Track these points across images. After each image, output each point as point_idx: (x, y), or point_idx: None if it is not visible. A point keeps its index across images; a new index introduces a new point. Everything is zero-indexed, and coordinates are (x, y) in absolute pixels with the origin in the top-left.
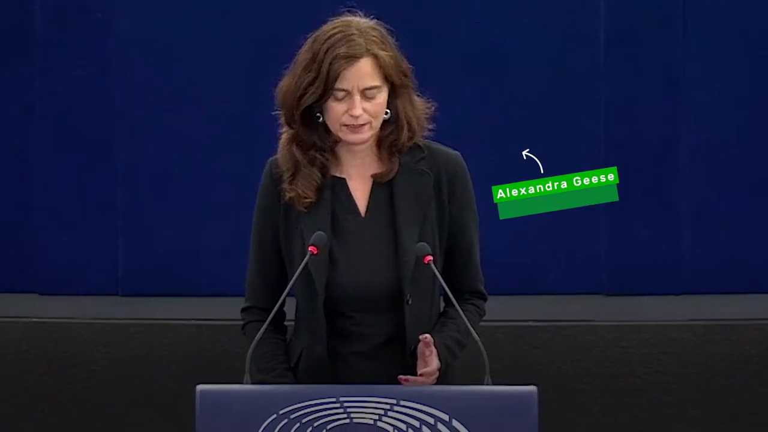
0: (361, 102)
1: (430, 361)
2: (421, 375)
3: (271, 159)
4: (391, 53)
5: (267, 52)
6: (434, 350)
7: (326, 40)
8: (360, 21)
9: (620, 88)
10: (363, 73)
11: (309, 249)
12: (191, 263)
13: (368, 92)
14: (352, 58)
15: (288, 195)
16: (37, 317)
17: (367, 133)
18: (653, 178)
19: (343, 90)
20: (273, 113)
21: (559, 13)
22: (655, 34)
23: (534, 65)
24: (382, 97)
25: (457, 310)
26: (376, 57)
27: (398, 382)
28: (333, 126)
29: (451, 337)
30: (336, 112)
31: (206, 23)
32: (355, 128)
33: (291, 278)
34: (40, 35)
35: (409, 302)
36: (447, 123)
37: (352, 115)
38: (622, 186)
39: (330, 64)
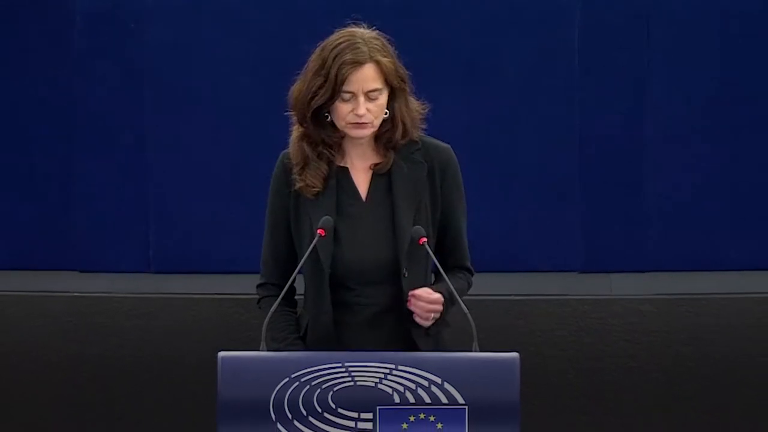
0: (364, 103)
1: (432, 292)
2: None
3: (283, 152)
4: (391, 60)
5: (281, 58)
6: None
7: (334, 48)
8: (363, 31)
9: (593, 89)
10: (367, 77)
11: (318, 232)
12: (213, 244)
13: (371, 94)
14: (357, 63)
15: (297, 185)
16: (78, 292)
17: (369, 130)
18: (622, 169)
19: (349, 92)
20: (285, 113)
21: (538, 25)
22: (624, 42)
23: (516, 70)
24: (383, 98)
25: (446, 280)
26: (378, 63)
27: (396, 347)
28: (339, 123)
29: (445, 288)
30: (342, 111)
31: (229, 33)
32: (359, 125)
33: (300, 257)
34: (79, 44)
35: (406, 275)
36: (439, 122)
37: (357, 114)
38: (595, 176)
39: (338, 69)
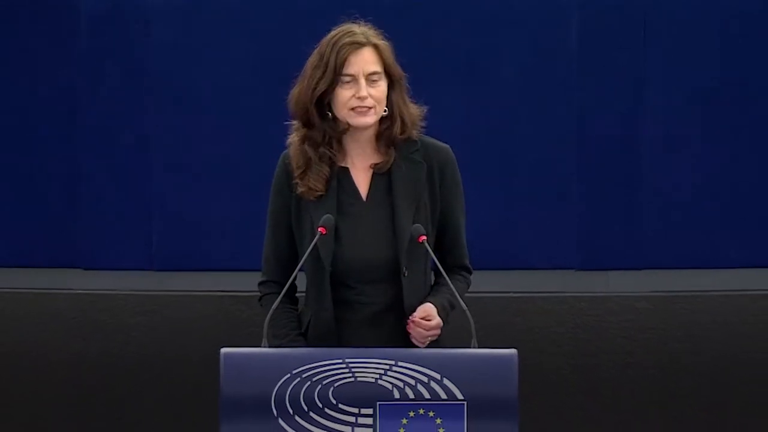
0: (366, 86)
1: (433, 317)
2: (423, 320)
3: (284, 152)
4: (388, 46)
5: (282, 59)
6: (435, 310)
7: (331, 38)
8: (360, 26)
9: (591, 89)
10: (367, 59)
11: (318, 230)
12: (215, 242)
13: (372, 77)
14: (357, 44)
15: (300, 190)
16: (81, 289)
17: (372, 117)
18: (620, 168)
19: (350, 75)
20: (286, 118)
21: (537, 25)
22: (622, 42)
23: (515, 71)
24: (384, 84)
25: (447, 281)
26: (377, 47)
27: (396, 345)
28: (342, 112)
29: (446, 299)
30: (344, 97)
31: (230, 34)
32: (362, 111)
33: (301, 256)
34: (82, 45)
35: (405, 274)
36: (439, 122)
37: (359, 97)
38: (592, 176)
39: (337, 53)
